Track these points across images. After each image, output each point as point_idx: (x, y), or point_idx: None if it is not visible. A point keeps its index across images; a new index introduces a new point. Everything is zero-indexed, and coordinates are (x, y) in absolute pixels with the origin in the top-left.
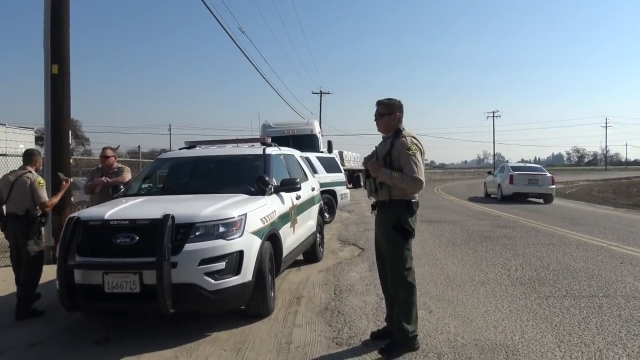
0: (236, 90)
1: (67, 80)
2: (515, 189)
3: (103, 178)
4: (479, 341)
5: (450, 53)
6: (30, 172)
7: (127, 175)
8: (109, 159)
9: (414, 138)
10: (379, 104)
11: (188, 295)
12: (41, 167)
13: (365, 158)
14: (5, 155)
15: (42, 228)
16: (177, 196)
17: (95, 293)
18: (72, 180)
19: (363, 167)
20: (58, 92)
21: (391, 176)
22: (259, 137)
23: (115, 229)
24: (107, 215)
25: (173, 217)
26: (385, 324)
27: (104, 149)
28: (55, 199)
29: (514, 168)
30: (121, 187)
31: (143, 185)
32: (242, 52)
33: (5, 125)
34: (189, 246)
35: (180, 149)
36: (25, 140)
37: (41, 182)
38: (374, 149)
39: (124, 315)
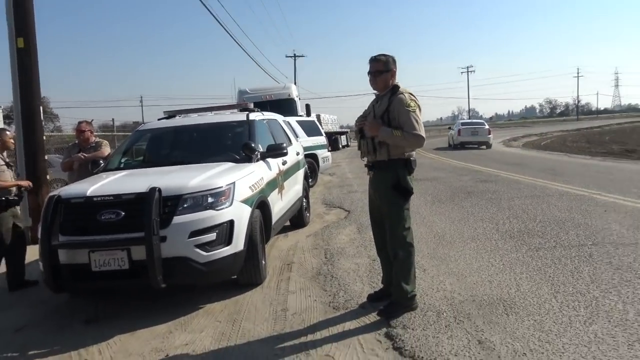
0: (209, 59)
1: (34, 54)
2: (462, 139)
3: (80, 154)
4: (475, 297)
5: (426, 10)
6: None
7: (106, 150)
8: (85, 134)
9: (412, 94)
10: (376, 60)
11: (179, 269)
12: (12, 147)
13: (359, 118)
14: None
15: (15, 208)
16: (160, 168)
17: (82, 272)
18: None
19: (356, 128)
20: (25, 67)
21: (392, 134)
22: (239, 103)
23: (99, 206)
24: (89, 192)
25: (160, 190)
26: (381, 286)
27: (79, 123)
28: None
29: (462, 123)
30: (100, 162)
31: (123, 159)
32: (211, 14)
33: None
34: (177, 219)
35: (159, 119)
36: None
37: None
38: (368, 108)
39: (112, 293)
